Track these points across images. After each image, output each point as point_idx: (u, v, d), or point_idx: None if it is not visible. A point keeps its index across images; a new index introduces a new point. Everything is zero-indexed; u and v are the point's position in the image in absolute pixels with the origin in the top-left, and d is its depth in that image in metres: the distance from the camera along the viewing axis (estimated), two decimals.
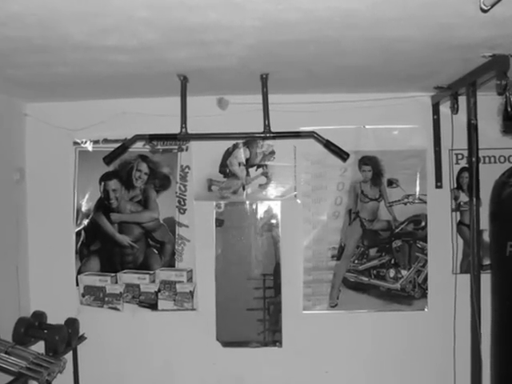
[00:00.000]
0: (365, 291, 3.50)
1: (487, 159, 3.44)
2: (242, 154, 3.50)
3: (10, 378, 2.66)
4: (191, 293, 3.49)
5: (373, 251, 3.50)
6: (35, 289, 3.47)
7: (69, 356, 3.21)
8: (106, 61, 2.48)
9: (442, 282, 3.43)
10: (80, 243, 3.50)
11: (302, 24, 2.01)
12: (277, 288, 3.51)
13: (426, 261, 3.48)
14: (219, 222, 3.52)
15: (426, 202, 3.47)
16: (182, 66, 2.68)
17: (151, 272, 3.50)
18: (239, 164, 3.51)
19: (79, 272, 3.51)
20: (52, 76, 2.76)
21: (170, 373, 3.51)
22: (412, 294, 3.48)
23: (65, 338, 3.12)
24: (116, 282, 3.50)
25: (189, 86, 2.96)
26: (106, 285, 3.49)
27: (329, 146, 2.96)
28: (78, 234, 3.51)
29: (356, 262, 3.50)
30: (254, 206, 3.53)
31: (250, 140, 3.46)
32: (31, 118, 3.46)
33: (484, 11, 1.78)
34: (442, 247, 3.47)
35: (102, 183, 3.51)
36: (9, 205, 3.30)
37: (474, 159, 2.69)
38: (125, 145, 3.07)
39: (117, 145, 3.10)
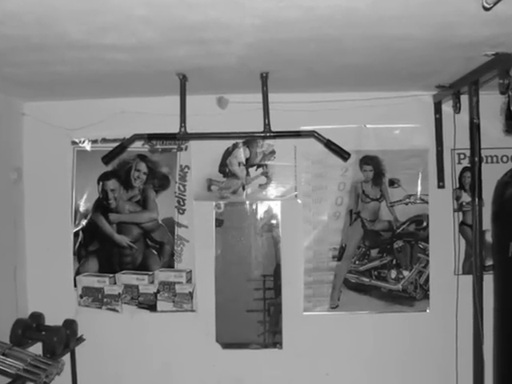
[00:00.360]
0: (366, 292, 3.47)
1: (490, 159, 3.42)
2: (241, 153, 3.48)
3: (8, 380, 2.63)
4: (190, 294, 3.46)
5: (374, 252, 3.47)
6: (33, 290, 3.45)
7: (67, 358, 3.19)
8: (105, 59, 2.46)
9: (444, 283, 3.41)
10: (78, 244, 3.48)
11: (303, 22, 2.00)
12: (277, 289, 3.48)
13: (428, 261, 3.45)
14: (219, 223, 3.50)
15: (427, 202, 3.44)
16: (181, 65, 2.66)
17: (150, 273, 3.48)
18: (239, 164, 3.48)
19: (77, 273, 3.48)
20: (50, 75, 2.74)
21: (169, 375, 3.48)
22: (414, 295, 3.46)
23: (63, 340, 3.10)
24: (114, 283, 3.47)
25: (188, 84, 2.94)
26: (105, 286, 3.46)
27: (329, 145, 2.94)
28: (76, 234, 3.49)
29: (357, 262, 3.47)
30: (254, 206, 3.51)
31: (249, 139, 3.44)
32: (29, 117, 3.44)
33: (486, 9, 1.77)
34: (444, 248, 3.45)
35: (101, 183, 3.48)
36: (6, 205, 3.28)
37: (476, 159, 2.67)
38: (123, 144, 3.05)
39: (115, 144, 3.09)
